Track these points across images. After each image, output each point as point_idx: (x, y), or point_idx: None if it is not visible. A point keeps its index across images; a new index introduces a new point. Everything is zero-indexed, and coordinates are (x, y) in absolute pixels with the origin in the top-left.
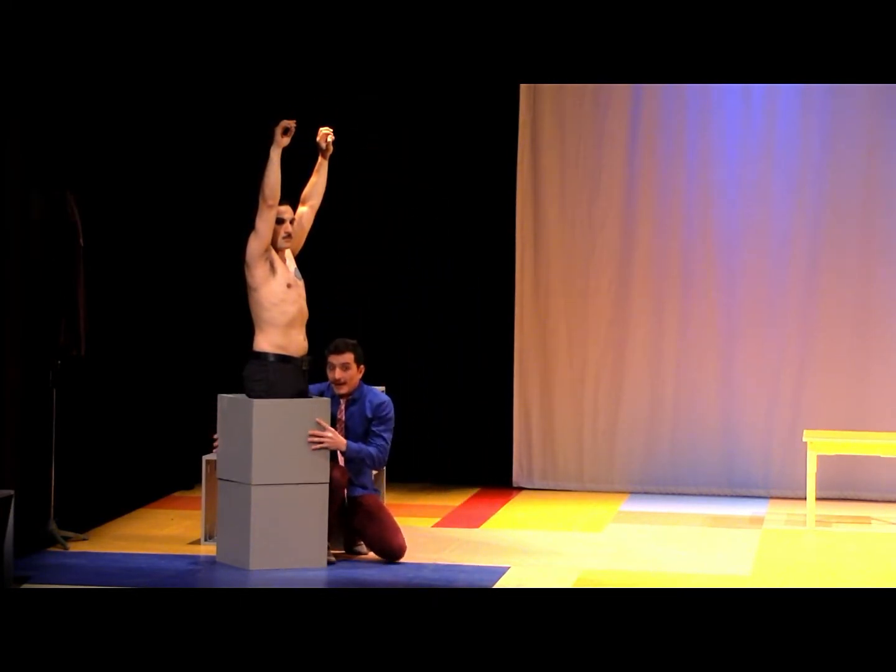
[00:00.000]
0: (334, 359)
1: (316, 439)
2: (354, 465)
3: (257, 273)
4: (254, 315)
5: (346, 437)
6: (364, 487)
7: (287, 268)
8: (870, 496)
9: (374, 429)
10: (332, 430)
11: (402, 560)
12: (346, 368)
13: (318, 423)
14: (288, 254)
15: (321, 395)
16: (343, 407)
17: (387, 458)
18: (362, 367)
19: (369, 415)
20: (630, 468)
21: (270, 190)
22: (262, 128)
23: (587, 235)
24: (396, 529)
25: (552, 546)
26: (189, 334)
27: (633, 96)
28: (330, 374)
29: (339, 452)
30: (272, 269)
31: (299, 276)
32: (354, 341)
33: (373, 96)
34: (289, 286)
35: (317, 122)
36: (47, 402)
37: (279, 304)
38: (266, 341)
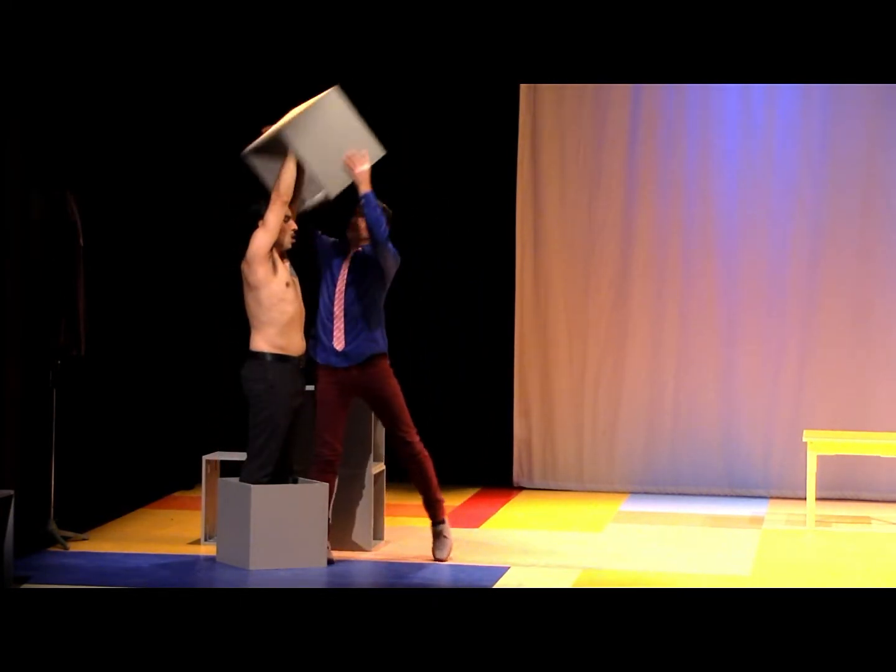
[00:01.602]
0: (361, 221)
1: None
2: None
3: (259, 270)
4: (251, 314)
5: (349, 285)
6: (374, 349)
7: (285, 266)
8: (870, 496)
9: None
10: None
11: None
12: (354, 228)
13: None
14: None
15: (333, 245)
16: (348, 263)
17: (391, 249)
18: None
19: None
20: (630, 468)
21: (286, 186)
22: (262, 127)
23: (587, 235)
24: (401, 412)
25: (552, 546)
26: (189, 334)
27: (633, 96)
28: (351, 233)
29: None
30: (273, 267)
31: (293, 273)
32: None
33: (372, 97)
34: (287, 285)
35: None
36: (47, 402)
37: (278, 304)
38: (263, 341)
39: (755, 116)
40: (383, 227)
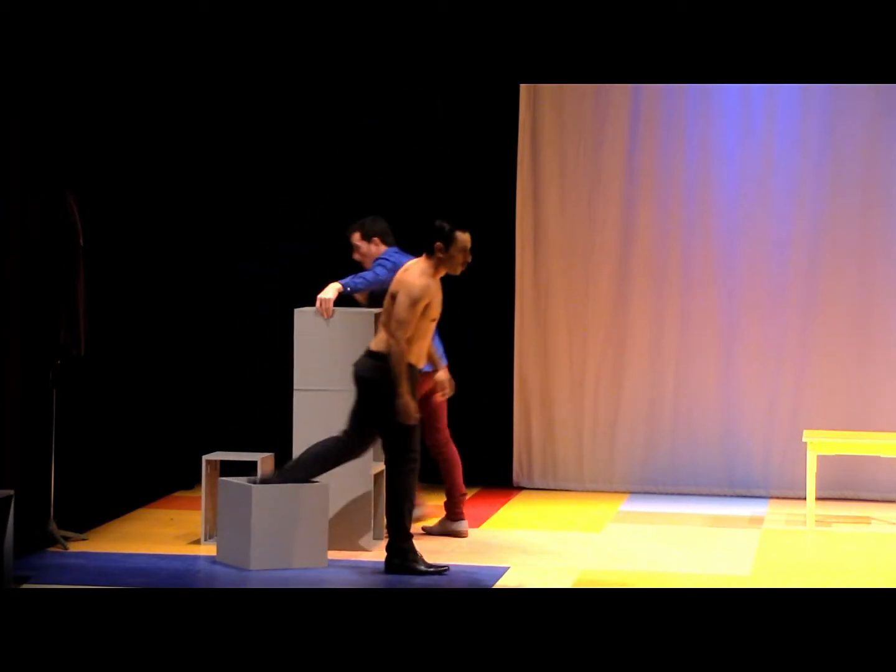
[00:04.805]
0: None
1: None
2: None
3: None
4: (385, 310)
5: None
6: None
7: (439, 299)
8: (870, 496)
9: None
10: (323, 294)
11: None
12: (356, 250)
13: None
14: None
15: None
16: None
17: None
18: (375, 238)
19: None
20: (630, 468)
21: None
22: (262, 127)
23: (587, 235)
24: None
25: (552, 546)
26: (189, 334)
27: (633, 96)
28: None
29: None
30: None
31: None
32: (361, 221)
33: (372, 97)
34: (432, 320)
35: (316, 121)
36: (47, 402)
37: (427, 323)
38: (385, 343)
39: (755, 116)
40: (360, 285)
